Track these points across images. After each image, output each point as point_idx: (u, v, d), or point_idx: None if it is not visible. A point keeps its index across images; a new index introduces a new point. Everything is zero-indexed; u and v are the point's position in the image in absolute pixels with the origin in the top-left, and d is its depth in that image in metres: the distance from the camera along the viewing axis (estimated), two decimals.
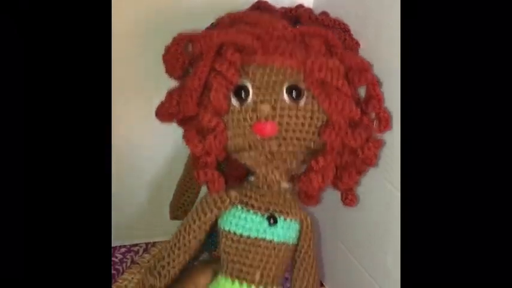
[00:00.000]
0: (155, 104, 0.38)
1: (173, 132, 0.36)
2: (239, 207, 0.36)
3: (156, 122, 0.37)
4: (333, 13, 0.41)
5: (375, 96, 0.36)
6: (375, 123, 0.36)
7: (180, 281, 0.36)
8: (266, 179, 0.36)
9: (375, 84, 0.36)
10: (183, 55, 0.36)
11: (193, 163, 0.36)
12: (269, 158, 0.35)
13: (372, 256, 0.44)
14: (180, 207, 0.46)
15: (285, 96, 0.33)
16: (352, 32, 0.40)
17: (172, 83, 0.39)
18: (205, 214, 0.36)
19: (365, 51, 0.39)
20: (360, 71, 0.35)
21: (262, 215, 0.35)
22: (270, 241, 0.35)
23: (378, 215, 0.42)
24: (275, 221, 0.35)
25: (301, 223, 0.37)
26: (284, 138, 0.34)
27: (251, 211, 0.35)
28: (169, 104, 0.36)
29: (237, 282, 0.36)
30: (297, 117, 0.34)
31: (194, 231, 0.36)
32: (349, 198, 0.38)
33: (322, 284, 0.54)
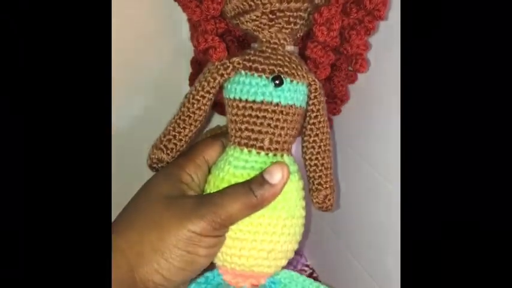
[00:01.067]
0: (155, 104, 0.37)
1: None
2: (243, 72, 0.34)
3: (158, 121, 0.37)
4: None
5: None
6: None
7: (188, 155, 0.35)
8: (270, 42, 0.34)
9: None
10: None
11: (192, 31, 0.34)
12: (271, 18, 0.33)
13: (371, 256, 0.44)
14: None
15: None
16: None
17: (174, 83, 0.39)
18: (209, 82, 0.34)
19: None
20: None
21: (267, 78, 0.33)
22: (277, 104, 0.33)
23: (378, 215, 0.42)
24: (281, 82, 0.33)
25: (309, 86, 0.35)
26: None
27: (255, 74, 0.33)
28: None
29: (245, 150, 0.34)
30: None
31: (198, 101, 0.34)
32: (359, 63, 0.35)
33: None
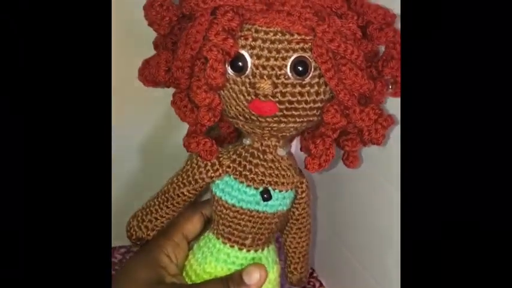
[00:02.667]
0: (154, 103, 0.37)
1: (176, 132, 0.36)
2: (232, 176, 0.33)
3: (158, 123, 0.37)
4: None
5: (395, 57, 0.31)
6: (390, 86, 0.32)
7: (167, 233, 0.36)
8: (262, 144, 0.33)
9: (396, 43, 0.31)
10: (170, 11, 0.31)
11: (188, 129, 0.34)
12: (266, 131, 0.32)
13: (372, 256, 0.44)
14: None
15: (289, 72, 0.29)
16: None
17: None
18: (196, 182, 0.34)
19: None
20: (380, 27, 0.30)
21: (256, 189, 0.33)
22: (264, 212, 0.34)
23: (378, 215, 0.42)
24: (269, 197, 0.33)
25: (296, 190, 0.35)
26: (284, 116, 0.31)
27: (244, 184, 0.33)
28: (157, 73, 0.32)
29: (228, 245, 0.35)
30: (301, 94, 0.30)
31: (184, 194, 0.35)
32: (349, 159, 0.35)
33: (321, 284, 0.54)
